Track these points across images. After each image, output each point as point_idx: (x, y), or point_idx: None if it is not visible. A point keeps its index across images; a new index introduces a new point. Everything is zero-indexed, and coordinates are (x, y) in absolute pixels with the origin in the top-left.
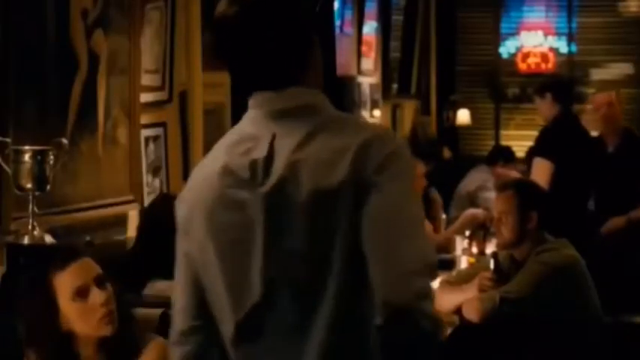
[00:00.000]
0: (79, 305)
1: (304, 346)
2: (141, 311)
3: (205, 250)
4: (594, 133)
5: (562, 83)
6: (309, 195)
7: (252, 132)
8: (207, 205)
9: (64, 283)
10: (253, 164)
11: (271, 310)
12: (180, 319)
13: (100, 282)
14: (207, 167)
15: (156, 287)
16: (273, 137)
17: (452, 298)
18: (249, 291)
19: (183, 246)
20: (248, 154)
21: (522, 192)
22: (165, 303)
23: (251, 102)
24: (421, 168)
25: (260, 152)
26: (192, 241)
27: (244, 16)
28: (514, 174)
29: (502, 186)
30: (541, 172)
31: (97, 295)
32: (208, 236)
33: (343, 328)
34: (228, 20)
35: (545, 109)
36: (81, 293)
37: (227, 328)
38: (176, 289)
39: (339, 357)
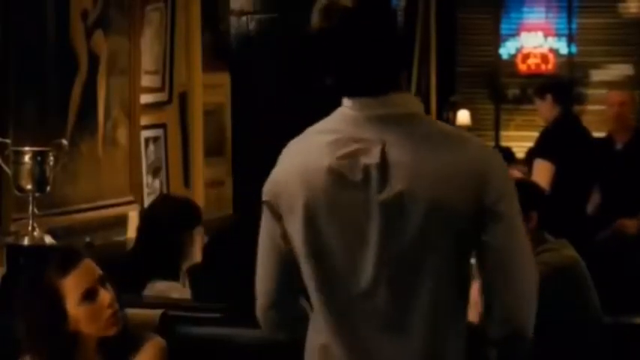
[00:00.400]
0: (88, 307)
1: (401, 342)
2: (141, 312)
3: (310, 245)
4: (598, 133)
5: (562, 84)
6: (427, 209)
7: (355, 134)
8: (315, 201)
9: (71, 287)
10: (366, 169)
11: (374, 307)
12: (265, 300)
13: (102, 283)
14: (309, 163)
15: (156, 288)
16: (384, 144)
17: None
18: (357, 286)
19: (276, 232)
20: (356, 157)
21: (522, 192)
22: (165, 304)
23: (349, 104)
24: None
25: (372, 158)
26: (293, 233)
27: (345, 27)
28: (516, 174)
29: None
30: (542, 173)
31: (104, 296)
32: (319, 230)
33: (439, 331)
34: (327, 33)
35: (545, 110)
36: (89, 295)
37: (322, 316)
38: (261, 273)
39: (436, 356)
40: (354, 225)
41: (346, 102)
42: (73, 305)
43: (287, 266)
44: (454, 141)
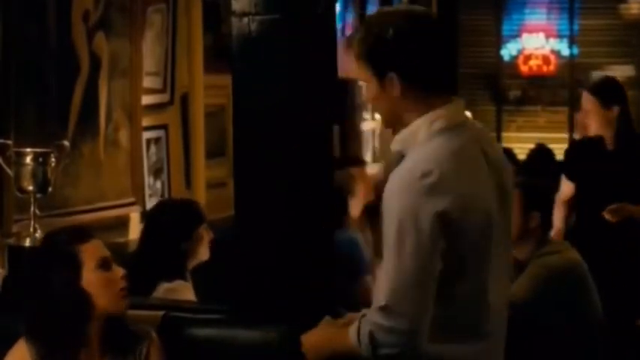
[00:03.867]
0: (103, 275)
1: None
2: (143, 313)
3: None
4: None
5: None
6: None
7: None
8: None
9: (90, 252)
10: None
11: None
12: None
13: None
14: (473, 171)
15: (165, 287)
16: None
17: None
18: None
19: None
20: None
21: (528, 192)
22: (167, 305)
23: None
24: None
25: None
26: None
27: (424, 30)
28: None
29: None
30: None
31: (117, 269)
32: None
33: None
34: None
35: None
36: (104, 264)
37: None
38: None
39: None
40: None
41: (439, 112)
42: (89, 271)
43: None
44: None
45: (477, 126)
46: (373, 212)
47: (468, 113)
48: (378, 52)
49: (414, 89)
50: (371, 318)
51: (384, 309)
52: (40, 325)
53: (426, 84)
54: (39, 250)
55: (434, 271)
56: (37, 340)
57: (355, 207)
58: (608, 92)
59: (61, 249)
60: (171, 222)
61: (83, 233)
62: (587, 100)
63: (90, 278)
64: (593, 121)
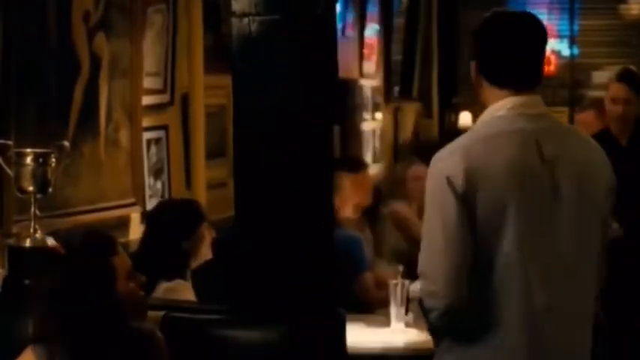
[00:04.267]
0: (131, 285)
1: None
2: None
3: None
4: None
5: None
6: None
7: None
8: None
9: (120, 262)
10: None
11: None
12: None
13: None
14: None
15: (160, 289)
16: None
17: None
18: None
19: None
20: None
21: None
22: (167, 306)
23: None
24: (425, 169)
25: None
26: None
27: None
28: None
29: None
30: None
31: (139, 276)
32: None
33: None
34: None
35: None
36: (131, 275)
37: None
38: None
39: None
40: None
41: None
42: (120, 280)
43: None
44: None
45: (543, 121)
46: (372, 213)
47: (537, 108)
48: (471, 41)
49: (482, 79)
50: (419, 287)
51: (421, 275)
52: (69, 334)
53: (488, 77)
54: (75, 260)
55: (458, 235)
56: (63, 347)
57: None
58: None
59: (101, 260)
60: (171, 222)
61: (115, 243)
62: (624, 91)
63: (121, 289)
64: (632, 110)
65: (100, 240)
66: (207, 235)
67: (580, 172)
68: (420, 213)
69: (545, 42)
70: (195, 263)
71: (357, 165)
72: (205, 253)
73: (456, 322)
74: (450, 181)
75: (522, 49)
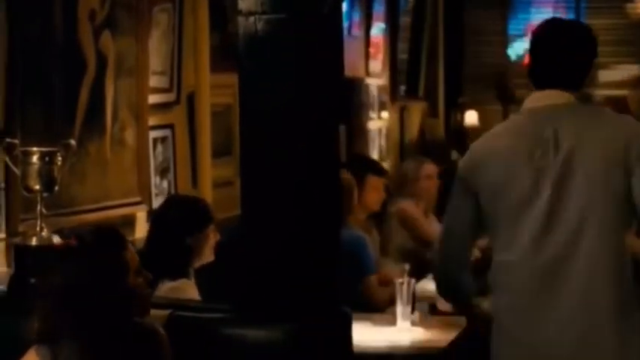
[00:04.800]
0: (139, 280)
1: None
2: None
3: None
4: None
5: None
6: None
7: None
8: None
9: (131, 257)
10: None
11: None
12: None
13: None
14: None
15: (164, 288)
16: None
17: None
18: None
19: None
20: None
21: None
22: (172, 304)
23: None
24: (435, 168)
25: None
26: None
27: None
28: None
29: None
30: None
31: (147, 274)
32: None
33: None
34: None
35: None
36: (139, 270)
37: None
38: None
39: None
40: None
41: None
42: (131, 275)
43: None
44: None
45: (566, 111)
46: (379, 213)
47: (557, 99)
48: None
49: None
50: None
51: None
52: (82, 329)
53: (530, 75)
54: (89, 254)
55: (459, 216)
56: (71, 344)
57: (360, 209)
58: None
59: (116, 253)
60: (177, 217)
61: (124, 238)
62: None
63: (132, 284)
64: None
65: (111, 235)
66: (212, 238)
67: (571, 154)
68: (427, 212)
69: (583, 48)
70: (197, 263)
71: (381, 169)
72: (208, 254)
73: (448, 275)
74: (469, 157)
75: (556, 55)
